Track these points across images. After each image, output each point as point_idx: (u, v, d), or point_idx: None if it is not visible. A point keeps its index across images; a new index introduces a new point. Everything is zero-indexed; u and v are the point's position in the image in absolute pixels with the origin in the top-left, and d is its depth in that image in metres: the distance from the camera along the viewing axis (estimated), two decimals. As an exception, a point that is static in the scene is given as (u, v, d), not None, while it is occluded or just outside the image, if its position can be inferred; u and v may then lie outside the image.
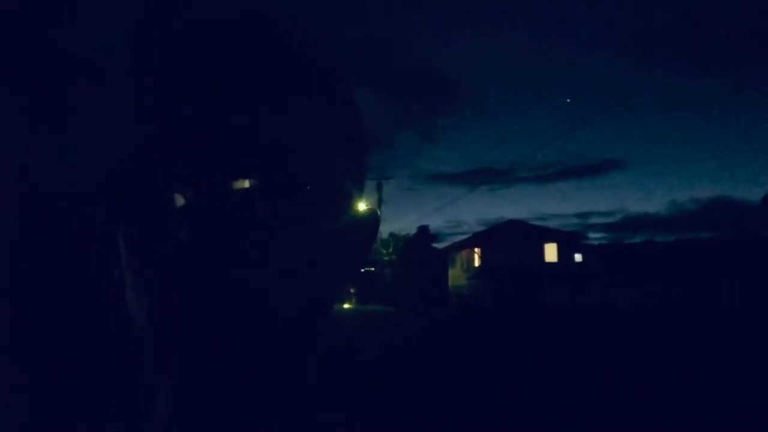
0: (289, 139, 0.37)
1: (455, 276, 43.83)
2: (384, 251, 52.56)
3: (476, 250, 41.19)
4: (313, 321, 0.41)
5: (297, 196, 0.37)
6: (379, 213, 0.45)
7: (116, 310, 0.38)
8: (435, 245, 50.54)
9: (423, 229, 50.36)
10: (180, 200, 0.35)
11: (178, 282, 0.35)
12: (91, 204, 0.36)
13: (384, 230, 54.30)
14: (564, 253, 39.15)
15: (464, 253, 42.81)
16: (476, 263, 40.73)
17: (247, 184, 0.35)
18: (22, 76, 0.33)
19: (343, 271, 0.42)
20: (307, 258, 0.38)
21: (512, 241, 38.88)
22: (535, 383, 7.34)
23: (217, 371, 0.37)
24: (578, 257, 40.19)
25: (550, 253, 39.24)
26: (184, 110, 0.35)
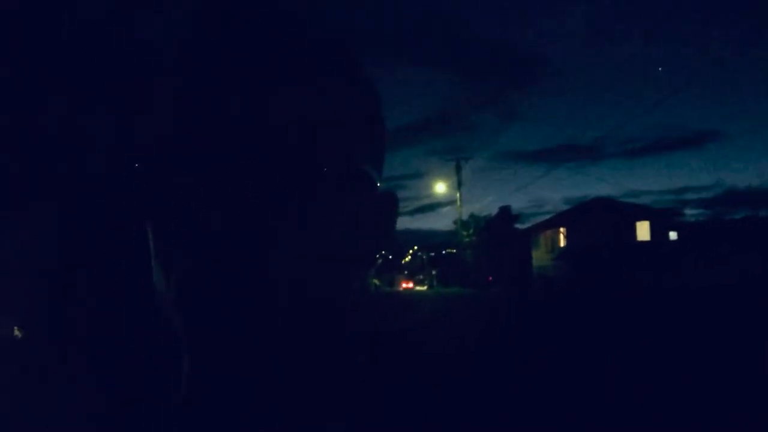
0: (307, 125, 0.36)
1: (539, 257, 42.37)
2: (464, 233, 51.67)
3: (561, 229, 39.59)
4: (333, 308, 0.39)
5: (315, 184, 0.36)
6: (395, 194, 0.44)
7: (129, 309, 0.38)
8: (517, 226, 49.04)
9: (504, 210, 48.94)
10: (203, 193, 0.35)
11: (203, 272, 0.35)
12: (133, 195, 0.36)
13: (464, 211, 53.49)
14: (657, 232, 36.87)
15: (548, 234, 41.26)
16: (561, 243, 39.17)
17: (261, 175, 0.34)
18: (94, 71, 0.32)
19: (361, 258, 0.41)
20: (326, 246, 0.37)
21: (600, 219, 37.01)
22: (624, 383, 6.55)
23: (226, 370, 0.36)
24: (673, 235, 37.73)
25: (642, 231, 37.07)
26: (213, 104, 0.35)
